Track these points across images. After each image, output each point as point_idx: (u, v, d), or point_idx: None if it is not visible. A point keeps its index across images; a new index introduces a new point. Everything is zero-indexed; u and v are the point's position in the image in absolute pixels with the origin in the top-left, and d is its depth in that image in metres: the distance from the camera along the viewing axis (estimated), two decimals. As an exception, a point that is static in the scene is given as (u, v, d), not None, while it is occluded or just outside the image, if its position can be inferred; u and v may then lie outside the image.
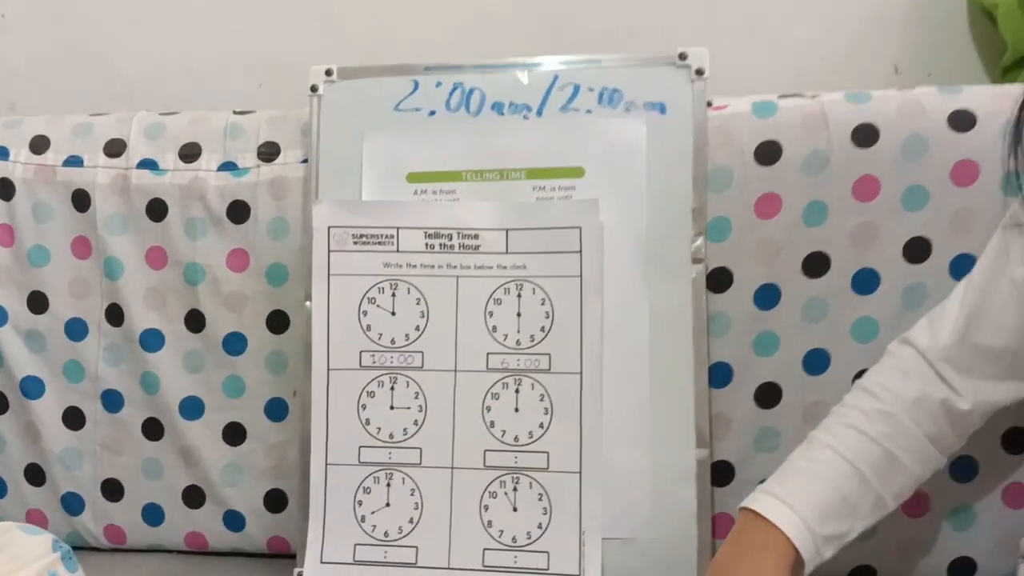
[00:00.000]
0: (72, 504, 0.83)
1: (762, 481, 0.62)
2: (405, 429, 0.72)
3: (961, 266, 0.70)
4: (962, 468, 0.71)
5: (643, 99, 0.73)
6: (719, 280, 0.72)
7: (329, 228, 0.73)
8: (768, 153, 0.72)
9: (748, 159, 0.72)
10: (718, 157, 0.72)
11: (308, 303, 0.73)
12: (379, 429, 0.72)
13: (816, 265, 0.72)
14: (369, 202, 0.74)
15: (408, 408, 0.72)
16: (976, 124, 0.70)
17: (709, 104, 0.73)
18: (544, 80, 0.74)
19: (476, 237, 0.73)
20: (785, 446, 0.72)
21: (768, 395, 0.73)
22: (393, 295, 0.73)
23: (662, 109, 0.73)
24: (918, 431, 0.60)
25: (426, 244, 0.73)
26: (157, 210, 0.80)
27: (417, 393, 0.72)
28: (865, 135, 0.71)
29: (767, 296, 0.73)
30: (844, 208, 0.71)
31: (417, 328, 0.73)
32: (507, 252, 0.72)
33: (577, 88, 0.74)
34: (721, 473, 0.74)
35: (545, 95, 0.74)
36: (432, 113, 0.75)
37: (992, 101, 0.71)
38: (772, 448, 0.73)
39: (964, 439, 0.63)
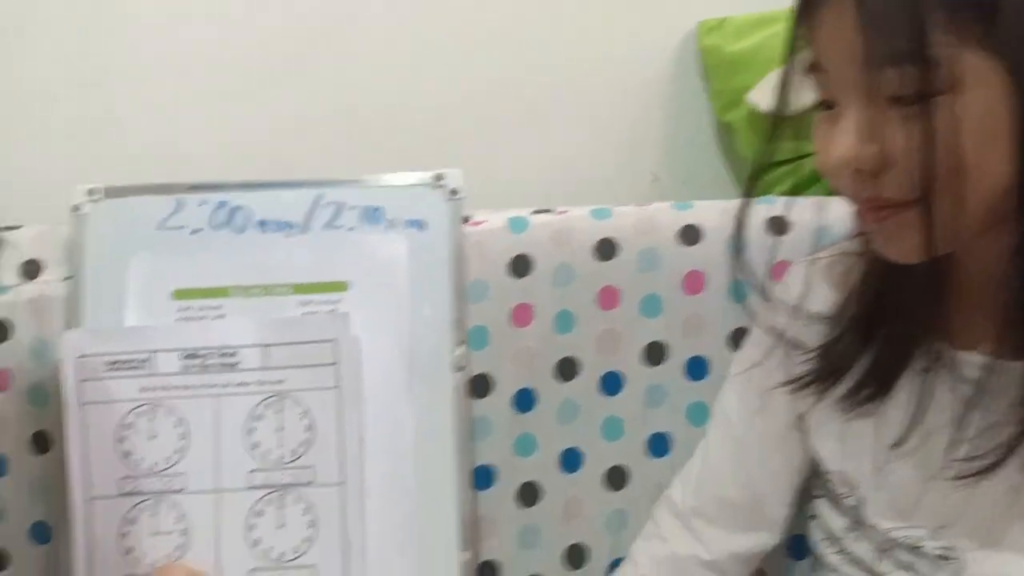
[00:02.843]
0: None
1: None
2: (167, 556, 0.71)
3: (695, 367, 0.77)
4: None
5: (403, 217, 0.77)
6: (480, 386, 0.76)
7: (79, 358, 0.72)
8: (521, 266, 0.77)
9: (503, 272, 0.77)
10: (475, 270, 0.77)
11: (67, 429, 0.72)
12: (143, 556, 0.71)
13: (567, 369, 0.77)
14: (121, 329, 0.74)
15: (170, 533, 0.71)
16: (703, 238, 0.78)
17: (467, 220, 0.78)
18: (308, 199, 0.77)
19: (234, 355, 0.73)
20: (545, 544, 0.76)
21: (528, 494, 0.77)
22: (151, 419, 0.73)
23: (421, 226, 0.77)
24: None
25: (183, 366, 0.73)
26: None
27: (179, 517, 0.71)
28: (606, 249, 0.77)
29: (524, 400, 0.77)
30: (590, 316, 0.77)
31: (177, 451, 0.73)
32: (265, 368, 0.74)
33: (340, 207, 0.77)
34: (487, 574, 0.76)
35: (309, 213, 0.77)
36: (196, 231, 0.77)
37: (719, 216, 0.78)
38: (533, 545, 0.77)
39: None
